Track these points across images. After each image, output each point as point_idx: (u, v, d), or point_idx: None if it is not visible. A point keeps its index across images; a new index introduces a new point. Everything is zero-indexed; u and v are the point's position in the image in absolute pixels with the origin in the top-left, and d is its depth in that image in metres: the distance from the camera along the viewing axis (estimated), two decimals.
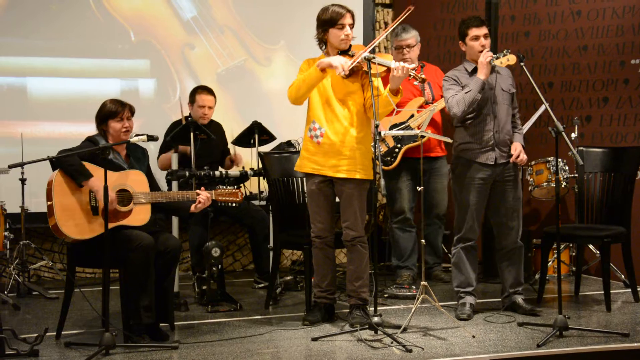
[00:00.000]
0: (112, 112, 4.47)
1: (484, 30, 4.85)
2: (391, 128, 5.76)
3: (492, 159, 4.85)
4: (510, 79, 4.97)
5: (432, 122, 5.81)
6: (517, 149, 4.86)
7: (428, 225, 6.00)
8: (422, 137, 4.93)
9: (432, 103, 5.78)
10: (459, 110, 4.83)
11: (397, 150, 5.75)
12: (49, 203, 4.26)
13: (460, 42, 4.93)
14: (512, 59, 4.84)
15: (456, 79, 4.91)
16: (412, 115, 5.74)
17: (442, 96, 5.81)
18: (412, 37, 5.83)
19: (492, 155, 4.86)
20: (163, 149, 6.04)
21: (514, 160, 4.85)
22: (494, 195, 4.92)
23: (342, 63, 4.42)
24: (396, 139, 5.74)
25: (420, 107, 5.73)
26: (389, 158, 5.78)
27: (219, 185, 4.88)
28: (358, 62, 4.46)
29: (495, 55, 4.80)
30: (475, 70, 4.83)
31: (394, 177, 5.85)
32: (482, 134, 4.86)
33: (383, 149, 5.78)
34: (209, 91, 6.10)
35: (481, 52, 4.81)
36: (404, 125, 5.73)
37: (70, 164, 4.27)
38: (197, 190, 4.58)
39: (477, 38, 4.85)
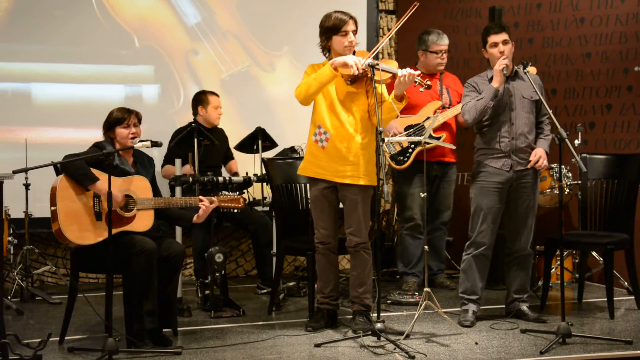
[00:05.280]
0: (118, 119, 4.49)
1: (502, 37, 4.83)
2: (406, 129, 5.78)
3: (508, 166, 4.85)
4: (537, 85, 4.86)
5: (447, 127, 5.84)
6: (536, 154, 4.85)
7: (433, 231, 5.99)
8: (426, 143, 4.94)
9: (449, 108, 5.82)
10: (470, 118, 4.86)
11: (410, 150, 5.76)
12: (52, 208, 4.27)
13: (482, 49, 4.95)
14: (531, 70, 4.85)
15: (475, 86, 4.93)
16: (428, 118, 5.76)
17: (458, 102, 5.84)
18: (448, 42, 5.94)
19: (507, 162, 4.85)
20: (168, 158, 6.05)
21: (532, 166, 4.85)
22: (510, 200, 4.92)
23: (356, 62, 4.43)
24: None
25: (437, 110, 5.77)
26: (401, 157, 5.78)
27: (222, 191, 4.88)
28: (362, 69, 4.47)
29: (521, 65, 4.81)
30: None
31: (407, 182, 5.86)
32: (497, 140, 4.86)
33: (397, 148, 5.79)
34: (216, 94, 6.19)
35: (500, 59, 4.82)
36: (418, 127, 5.75)
37: (77, 168, 4.28)
38: (200, 197, 4.59)
39: (495, 45, 4.84)
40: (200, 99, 6.13)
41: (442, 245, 6.12)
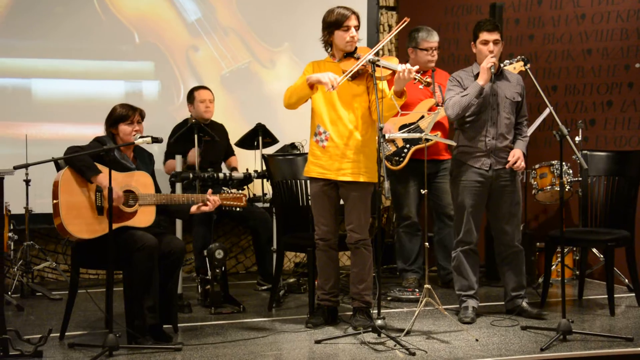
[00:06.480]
0: (122, 115, 4.50)
1: (494, 36, 4.82)
2: (400, 129, 5.76)
3: (487, 165, 4.85)
4: (520, 87, 4.92)
5: (440, 126, 5.81)
6: (514, 155, 4.84)
7: (441, 229, 5.94)
8: (427, 140, 4.93)
9: (442, 105, 5.79)
10: (452, 113, 4.84)
11: (406, 150, 5.74)
12: (54, 202, 4.26)
13: (472, 43, 4.93)
14: (518, 67, 4.83)
15: (460, 81, 4.91)
16: (423, 117, 5.73)
17: None
18: (438, 38, 5.90)
19: (487, 162, 4.85)
20: (168, 154, 6.05)
21: (510, 166, 4.85)
22: (492, 199, 4.92)
23: (331, 79, 4.41)
24: (405, 139, 5.73)
25: (430, 109, 5.74)
26: (397, 158, 5.76)
27: (223, 188, 4.88)
28: (363, 65, 4.46)
29: (505, 62, 4.80)
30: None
31: (402, 182, 5.83)
32: (479, 139, 4.85)
33: (392, 148, 5.77)
34: (206, 87, 6.15)
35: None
36: (413, 126, 5.73)
37: (79, 160, 4.27)
38: (207, 196, 4.57)
39: (486, 42, 4.82)
40: (188, 97, 6.13)
41: (453, 243, 6.01)
